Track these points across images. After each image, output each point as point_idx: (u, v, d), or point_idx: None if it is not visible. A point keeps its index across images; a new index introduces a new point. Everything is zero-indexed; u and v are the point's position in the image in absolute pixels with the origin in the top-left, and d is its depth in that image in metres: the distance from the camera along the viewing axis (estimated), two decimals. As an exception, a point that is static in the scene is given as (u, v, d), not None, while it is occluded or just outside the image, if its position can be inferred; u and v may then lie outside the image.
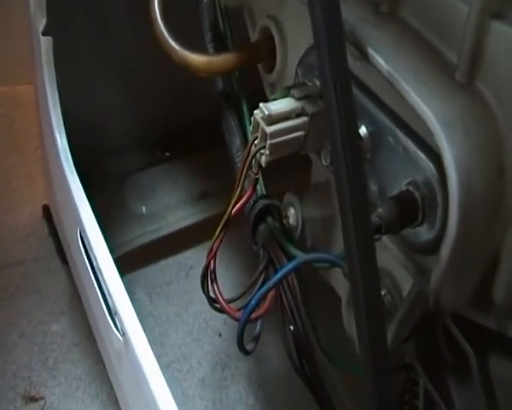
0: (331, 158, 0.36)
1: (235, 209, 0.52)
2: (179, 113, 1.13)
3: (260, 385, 1.00)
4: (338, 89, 0.35)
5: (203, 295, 1.11)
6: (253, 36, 0.62)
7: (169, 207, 1.18)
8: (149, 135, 1.21)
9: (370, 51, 0.40)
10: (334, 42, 0.36)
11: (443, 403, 0.56)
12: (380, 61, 0.39)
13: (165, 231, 1.14)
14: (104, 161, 1.16)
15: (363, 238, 0.37)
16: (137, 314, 1.10)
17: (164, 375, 1.02)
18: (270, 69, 0.60)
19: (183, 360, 1.03)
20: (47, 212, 1.16)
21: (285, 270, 0.47)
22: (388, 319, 0.53)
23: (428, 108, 0.37)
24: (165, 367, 1.01)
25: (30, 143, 1.28)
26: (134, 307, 1.11)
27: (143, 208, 1.17)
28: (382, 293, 0.53)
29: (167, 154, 1.27)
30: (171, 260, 1.16)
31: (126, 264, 1.15)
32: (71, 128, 0.88)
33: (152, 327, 1.07)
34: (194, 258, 1.16)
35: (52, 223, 1.13)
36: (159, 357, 1.04)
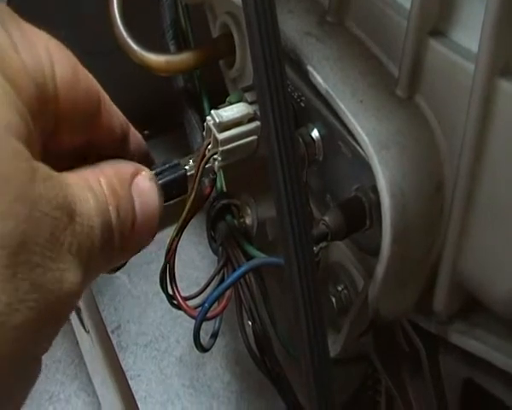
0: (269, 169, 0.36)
1: (192, 211, 0.53)
2: (156, 90, 1.12)
3: (237, 362, 1.02)
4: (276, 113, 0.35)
5: (182, 274, 1.13)
6: (214, 32, 0.62)
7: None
8: (127, 114, 1.21)
9: (310, 69, 0.40)
10: (272, 63, 0.36)
11: (397, 392, 0.57)
12: (318, 79, 0.40)
13: (144, 211, 1.15)
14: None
15: (301, 248, 0.38)
16: (116, 294, 1.12)
17: (142, 354, 1.04)
18: (231, 66, 0.60)
19: (161, 339, 1.04)
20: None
21: (235, 275, 0.48)
22: (345, 314, 0.54)
23: (362, 129, 0.37)
24: (143, 347, 1.03)
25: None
26: (113, 286, 1.13)
27: (122, 188, 1.17)
28: (339, 288, 0.55)
29: (146, 132, 1.27)
30: (151, 239, 1.17)
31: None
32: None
33: (131, 306, 1.08)
34: (174, 236, 1.17)
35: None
36: (137, 336, 1.06)
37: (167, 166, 0.47)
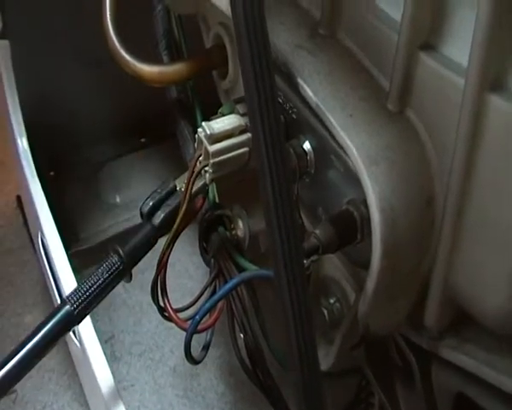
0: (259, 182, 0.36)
1: (183, 224, 0.52)
2: (153, 98, 1.12)
3: (231, 373, 1.01)
4: (266, 129, 0.35)
5: (176, 284, 1.12)
6: (207, 43, 0.62)
7: (142, 195, 1.18)
8: (124, 122, 1.21)
9: (300, 82, 0.40)
10: (262, 76, 0.36)
11: (390, 405, 0.57)
12: (308, 92, 0.40)
13: (138, 220, 1.14)
14: (78, 151, 1.16)
15: (291, 262, 0.37)
16: (111, 304, 1.11)
17: (136, 364, 1.04)
18: (224, 76, 0.60)
19: (155, 348, 1.04)
20: (21, 201, 1.16)
21: (227, 287, 0.48)
22: (337, 327, 0.54)
23: (352, 144, 0.37)
24: (137, 357, 1.03)
25: (2, 130, 1.28)
26: (108, 296, 1.12)
27: (117, 198, 1.17)
28: (331, 301, 0.55)
29: (142, 140, 1.27)
30: (145, 248, 1.17)
31: (100, 254, 1.16)
32: (44, 117, 0.88)
33: (126, 316, 1.08)
34: (169, 246, 1.16)
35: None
36: (131, 346, 1.05)
37: (164, 193, 0.48)
